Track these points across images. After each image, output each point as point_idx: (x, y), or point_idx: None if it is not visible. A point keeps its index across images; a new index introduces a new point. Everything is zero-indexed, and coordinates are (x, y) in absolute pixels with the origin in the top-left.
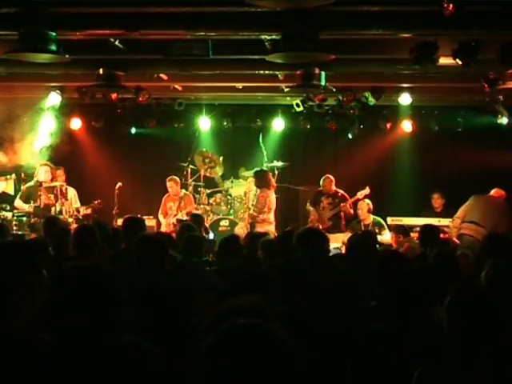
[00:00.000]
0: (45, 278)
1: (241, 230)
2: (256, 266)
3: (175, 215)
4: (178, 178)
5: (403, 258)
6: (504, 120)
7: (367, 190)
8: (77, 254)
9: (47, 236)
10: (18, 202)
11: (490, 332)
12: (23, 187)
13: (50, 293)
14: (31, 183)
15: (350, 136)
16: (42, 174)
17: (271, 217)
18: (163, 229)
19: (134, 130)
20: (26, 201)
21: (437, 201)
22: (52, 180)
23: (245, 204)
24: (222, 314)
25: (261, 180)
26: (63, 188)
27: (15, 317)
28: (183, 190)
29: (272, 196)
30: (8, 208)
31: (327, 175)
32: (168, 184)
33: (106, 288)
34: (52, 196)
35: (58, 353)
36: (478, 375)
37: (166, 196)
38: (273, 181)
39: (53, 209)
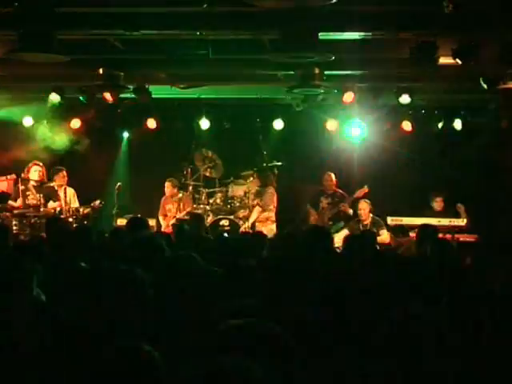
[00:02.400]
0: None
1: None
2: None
3: (174, 217)
4: (175, 180)
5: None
6: (503, 120)
7: (366, 189)
8: (76, 254)
9: (49, 236)
10: (10, 201)
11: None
12: (17, 186)
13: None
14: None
15: (349, 136)
16: (32, 172)
17: (274, 215)
18: (163, 230)
19: (133, 130)
20: (15, 199)
21: (440, 204)
22: (43, 180)
23: (246, 204)
24: (223, 315)
25: (266, 178)
26: (62, 188)
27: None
28: (182, 192)
29: (275, 195)
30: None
31: (329, 172)
32: (165, 184)
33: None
34: (40, 196)
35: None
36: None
37: (164, 198)
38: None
39: (55, 211)
